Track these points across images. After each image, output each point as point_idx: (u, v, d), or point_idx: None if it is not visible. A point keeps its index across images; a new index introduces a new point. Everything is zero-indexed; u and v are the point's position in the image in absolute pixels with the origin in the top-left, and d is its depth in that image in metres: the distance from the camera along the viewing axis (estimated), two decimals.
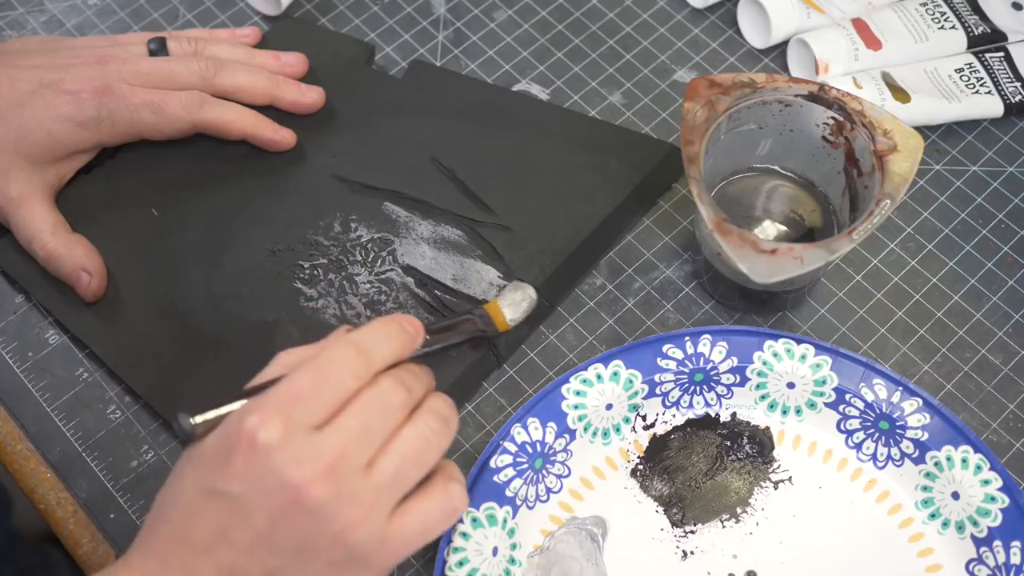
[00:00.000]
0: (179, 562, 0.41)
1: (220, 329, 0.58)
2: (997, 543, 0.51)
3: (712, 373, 0.56)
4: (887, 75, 0.65)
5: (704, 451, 0.56)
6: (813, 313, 0.60)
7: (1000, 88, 0.65)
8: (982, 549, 0.52)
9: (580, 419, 0.55)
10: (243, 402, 0.43)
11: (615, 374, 0.55)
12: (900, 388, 0.54)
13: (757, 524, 0.54)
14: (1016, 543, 0.51)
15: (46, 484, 0.56)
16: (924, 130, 0.65)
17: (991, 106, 0.65)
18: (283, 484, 0.40)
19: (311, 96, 0.64)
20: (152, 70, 0.60)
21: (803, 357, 0.55)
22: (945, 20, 0.67)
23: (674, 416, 0.57)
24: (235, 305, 0.59)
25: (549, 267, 0.59)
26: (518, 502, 0.53)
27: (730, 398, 0.56)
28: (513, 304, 0.55)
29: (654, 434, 0.56)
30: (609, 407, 0.55)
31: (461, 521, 0.51)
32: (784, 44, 0.69)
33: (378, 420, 0.42)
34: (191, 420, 0.43)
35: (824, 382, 0.55)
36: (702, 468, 0.55)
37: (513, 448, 0.53)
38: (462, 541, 0.51)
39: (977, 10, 0.68)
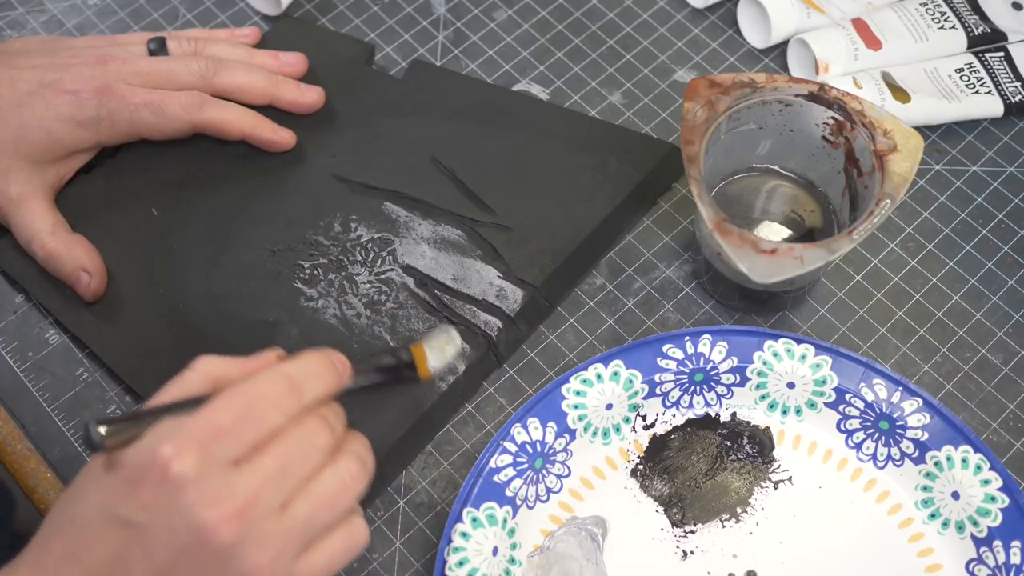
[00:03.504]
0: None
1: (220, 329, 0.58)
2: (997, 543, 0.51)
3: (712, 373, 0.56)
4: (887, 75, 0.65)
5: (704, 451, 0.56)
6: (813, 313, 0.60)
7: (1000, 88, 0.65)
8: (982, 549, 0.52)
9: (580, 419, 0.55)
10: (159, 420, 0.40)
11: (615, 374, 0.55)
12: (900, 388, 0.54)
13: (757, 524, 0.54)
14: (1016, 543, 0.51)
15: (46, 484, 0.56)
16: (924, 130, 0.65)
17: (991, 106, 0.65)
18: (191, 523, 0.38)
19: (311, 96, 0.64)
20: (152, 70, 0.60)
21: (803, 357, 0.55)
22: (945, 20, 0.67)
23: (674, 416, 0.57)
24: (235, 305, 0.59)
25: (549, 267, 0.59)
26: (518, 502, 0.53)
27: (730, 398, 0.56)
28: (438, 349, 0.51)
29: (654, 434, 0.56)
30: (609, 407, 0.55)
31: (461, 521, 0.51)
32: (784, 44, 0.69)
33: (299, 461, 0.40)
34: (100, 430, 0.39)
35: (824, 382, 0.55)
36: (702, 468, 0.55)
37: (513, 448, 0.53)
38: (462, 541, 0.51)
39: (977, 10, 0.68)
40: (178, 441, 0.38)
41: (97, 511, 0.39)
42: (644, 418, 0.56)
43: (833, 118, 0.56)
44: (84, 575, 0.39)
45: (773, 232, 0.59)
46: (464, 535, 0.51)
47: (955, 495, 0.53)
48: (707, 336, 0.56)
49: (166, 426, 0.39)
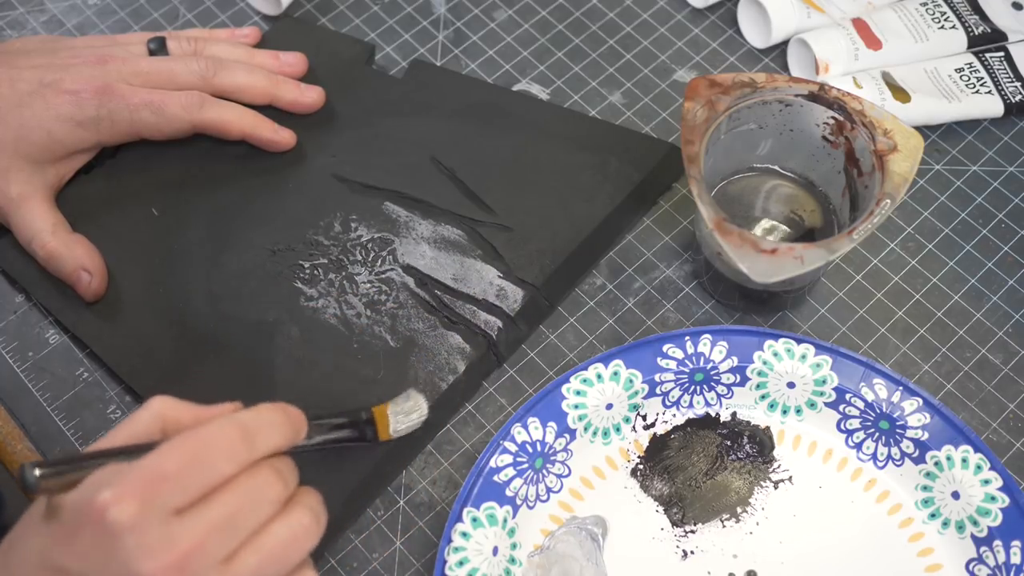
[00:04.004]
0: None
1: (220, 329, 0.58)
2: (997, 543, 0.51)
3: (712, 373, 0.56)
4: (887, 75, 0.65)
5: (704, 451, 0.56)
6: (813, 313, 0.60)
7: (1000, 88, 0.65)
8: (982, 549, 0.52)
9: (580, 419, 0.55)
10: (103, 464, 0.39)
11: (615, 374, 0.55)
12: (900, 388, 0.54)
13: (757, 524, 0.54)
14: (1016, 543, 0.51)
15: None
16: (924, 130, 0.65)
17: (991, 106, 0.65)
18: (127, 572, 0.36)
19: (311, 96, 0.64)
20: (152, 70, 0.60)
21: (803, 357, 0.55)
22: (945, 20, 0.67)
23: (674, 416, 0.57)
24: (235, 305, 0.59)
25: (549, 267, 0.59)
26: (518, 502, 0.53)
27: (730, 398, 0.56)
28: (402, 414, 0.50)
29: (654, 434, 0.56)
30: (609, 407, 0.55)
31: (461, 520, 0.51)
32: (784, 44, 0.69)
33: (248, 512, 0.39)
34: (36, 472, 0.38)
35: (824, 382, 0.55)
36: (702, 468, 0.55)
37: (513, 448, 0.53)
38: (462, 541, 0.51)
39: (977, 10, 0.68)
40: (117, 487, 0.37)
41: (33, 559, 0.38)
42: (644, 418, 0.56)
43: (833, 118, 0.56)
44: None
45: (773, 232, 0.59)
46: (464, 535, 0.51)
47: (955, 495, 0.53)
48: (707, 336, 0.56)
49: (107, 471, 0.38)
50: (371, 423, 0.50)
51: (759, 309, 0.60)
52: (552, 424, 0.54)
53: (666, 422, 0.56)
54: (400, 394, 0.52)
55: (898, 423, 0.54)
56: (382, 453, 0.54)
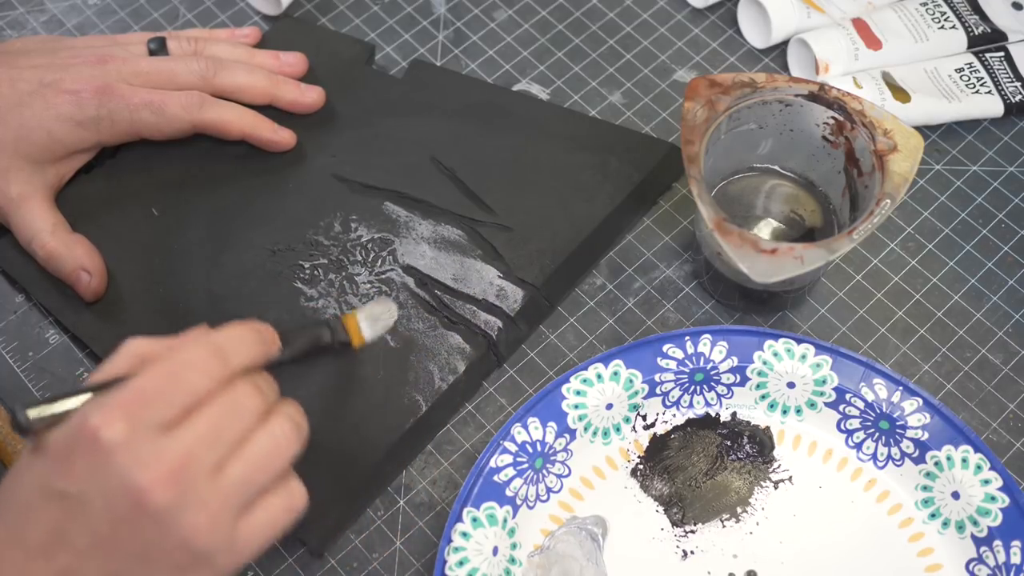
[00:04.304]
0: (13, 564, 0.39)
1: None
2: (997, 543, 0.51)
3: (712, 373, 0.56)
4: (887, 75, 0.65)
5: (704, 451, 0.56)
6: (813, 313, 0.60)
7: (1000, 88, 0.65)
8: (982, 549, 0.52)
9: (580, 419, 0.55)
10: (88, 397, 0.41)
11: (615, 374, 0.55)
12: (900, 388, 0.54)
13: (757, 524, 0.54)
14: (1016, 543, 0.51)
15: None
16: (924, 130, 0.65)
17: (991, 106, 0.65)
18: (125, 487, 0.38)
19: (311, 96, 0.64)
20: (152, 70, 0.60)
21: (803, 357, 0.55)
22: (945, 20, 0.67)
23: (674, 416, 0.57)
24: (235, 305, 0.59)
25: (549, 267, 0.59)
26: (518, 502, 0.53)
27: (730, 398, 0.56)
28: (371, 318, 0.50)
29: (654, 434, 0.56)
30: (609, 407, 0.55)
31: (461, 520, 0.51)
32: (784, 44, 0.69)
33: (230, 423, 0.41)
34: (27, 413, 0.40)
35: (824, 382, 0.55)
36: (702, 468, 0.55)
37: (513, 448, 0.53)
38: (462, 541, 0.51)
39: (977, 10, 0.68)
40: (105, 410, 0.39)
41: (32, 489, 0.39)
42: (644, 418, 0.56)
43: (833, 118, 0.56)
44: (25, 554, 0.39)
45: (773, 232, 0.59)
46: (464, 535, 0.51)
47: (955, 495, 0.53)
48: (707, 336, 0.56)
49: (94, 401, 0.40)
50: (342, 329, 0.50)
51: (759, 309, 0.60)
52: (552, 424, 0.54)
53: (666, 422, 0.56)
54: (373, 300, 0.51)
55: (898, 423, 0.54)
56: (382, 453, 0.54)
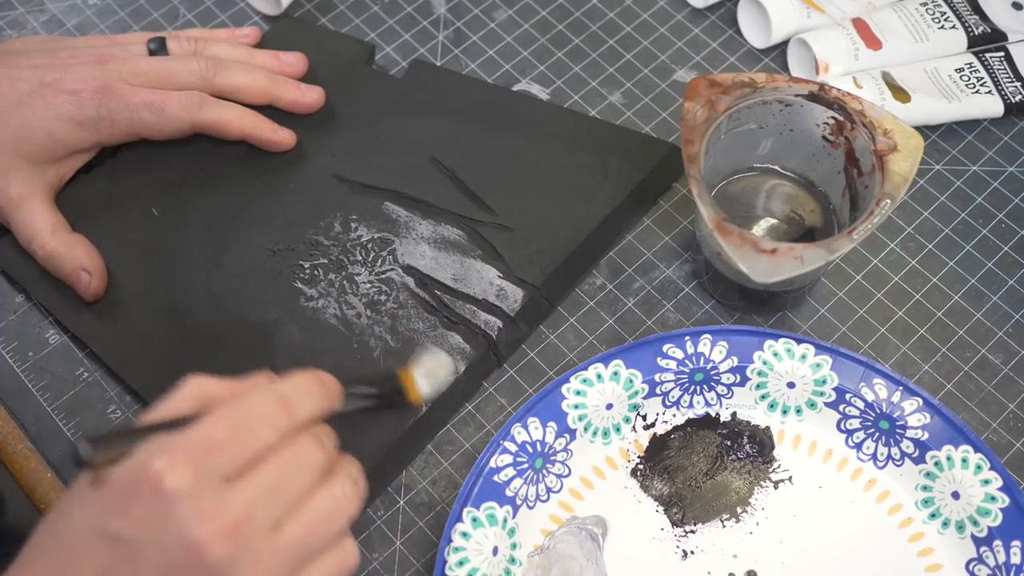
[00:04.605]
0: None
1: (220, 329, 0.58)
2: (997, 543, 0.51)
3: (712, 373, 0.56)
4: (887, 75, 0.65)
5: (704, 451, 0.56)
6: (813, 313, 0.60)
7: (1000, 88, 0.65)
8: (982, 549, 0.52)
9: (580, 419, 0.55)
10: (150, 438, 0.39)
11: (615, 374, 0.55)
12: (900, 388, 0.54)
13: (757, 524, 0.54)
14: (1016, 543, 0.51)
15: (46, 484, 0.56)
16: (924, 130, 0.65)
17: (991, 106, 0.65)
18: (183, 538, 0.37)
19: (311, 96, 0.64)
20: (152, 70, 0.60)
21: (803, 357, 0.55)
22: (945, 20, 0.67)
23: (674, 416, 0.57)
24: (235, 305, 0.59)
25: (549, 267, 0.59)
26: (518, 502, 0.53)
27: (730, 398, 0.56)
28: (429, 374, 0.49)
29: (654, 434, 0.56)
30: (609, 407, 0.55)
31: (461, 520, 0.51)
32: (784, 44, 0.69)
33: (292, 480, 0.39)
34: (88, 447, 0.38)
35: (824, 382, 0.55)
36: (702, 468, 0.55)
37: (513, 448, 0.53)
38: (462, 541, 0.51)
39: (977, 10, 0.68)
40: (170, 455, 0.37)
41: (85, 528, 0.38)
42: (644, 418, 0.56)
43: (833, 118, 0.56)
44: None
45: (773, 232, 0.59)
46: (464, 535, 0.51)
47: (955, 495, 0.53)
48: (707, 336, 0.56)
49: (156, 443, 0.38)
50: (400, 390, 0.49)
51: (759, 309, 0.60)
52: (552, 424, 0.54)
53: (666, 422, 0.56)
54: (424, 353, 0.49)
55: (898, 423, 0.54)
56: (382, 453, 0.54)
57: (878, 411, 0.54)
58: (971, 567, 0.52)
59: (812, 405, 0.56)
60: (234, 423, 0.39)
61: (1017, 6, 0.69)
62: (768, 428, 0.56)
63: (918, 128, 0.64)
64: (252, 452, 0.39)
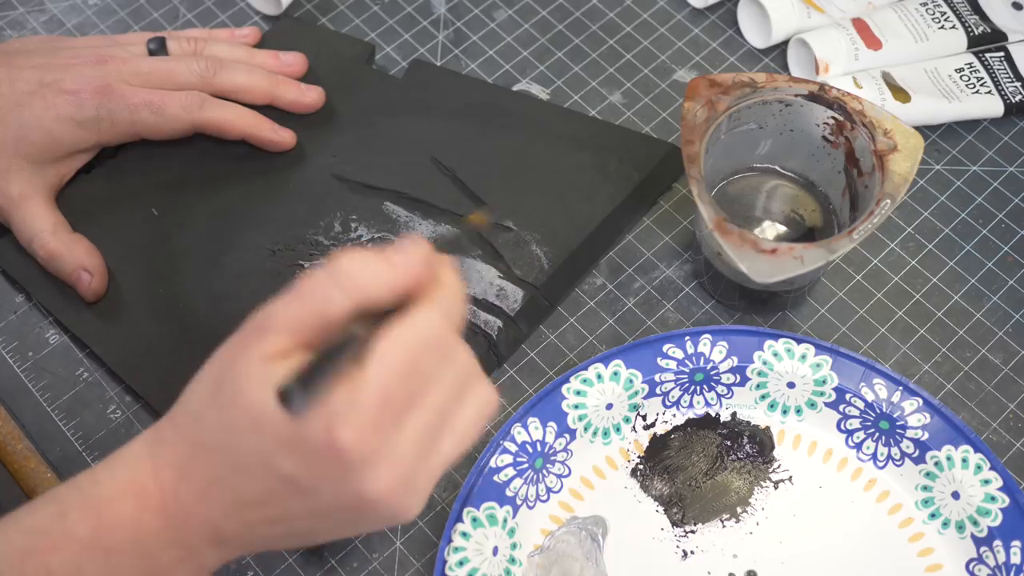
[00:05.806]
0: (220, 503, 0.40)
1: (220, 329, 0.57)
2: (997, 543, 0.51)
3: (712, 373, 0.56)
4: (887, 75, 0.65)
5: (704, 451, 0.56)
6: (813, 313, 0.60)
7: (1000, 88, 0.65)
8: (982, 549, 0.52)
9: (580, 419, 0.55)
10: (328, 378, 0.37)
11: (615, 374, 0.55)
12: (900, 388, 0.54)
13: (757, 524, 0.54)
14: (1016, 543, 0.51)
15: (46, 484, 0.56)
16: (924, 130, 0.65)
17: (991, 106, 0.65)
18: (359, 493, 0.38)
19: (311, 96, 0.64)
20: (152, 70, 0.60)
21: (803, 357, 0.55)
22: (945, 20, 0.67)
23: (674, 416, 0.57)
24: (235, 305, 0.58)
25: (549, 267, 0.59)
26: (518, 502, 0.53)
27: (730, 398, 0.56)
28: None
29: (654, 434, 0.56)
30: (609, 407, 0.55)
31: (461, 520, 0.51)
32: (784, 44, 0.69)
33: (452, 403, 0.40)
34: (298, 394, 0.36)
35: (824, 382, 0.55)
36: (702, 468, 0.55)
37: (513, 448, 0.53)
38: (462, 541, 0.51)
39: (977, 10, 0.68)
40: (355, 427, 0.37)
41: (259, 457, 0.39)
42: (644, 418, 0.56)
43: (833, 118, 0.56)
44: (238, 504, 0.40)
45: (773, 232, 0.59)
46: (464, 535, 0.51)
47: (955, 495, 0.53)
48: (707, 336, 0.56)
49: (340, 400, 0.37)
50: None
51: (759, 309, 0.60)
52: (552, 424, 0.54)
53: (666, 422, 0.56)
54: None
55: (898, 423, 0.54)
56: None
57: (878, 411, 0.54)
58: (971, 567, 0.52)
59: (812, 405, 0.56)
60: (409, 368, 0.38)
61: (1017, 6, 0.69)
62: (768, 428, 0.56)
63: (918, 128, 0.63)
64: (422, 390, 0.39)
